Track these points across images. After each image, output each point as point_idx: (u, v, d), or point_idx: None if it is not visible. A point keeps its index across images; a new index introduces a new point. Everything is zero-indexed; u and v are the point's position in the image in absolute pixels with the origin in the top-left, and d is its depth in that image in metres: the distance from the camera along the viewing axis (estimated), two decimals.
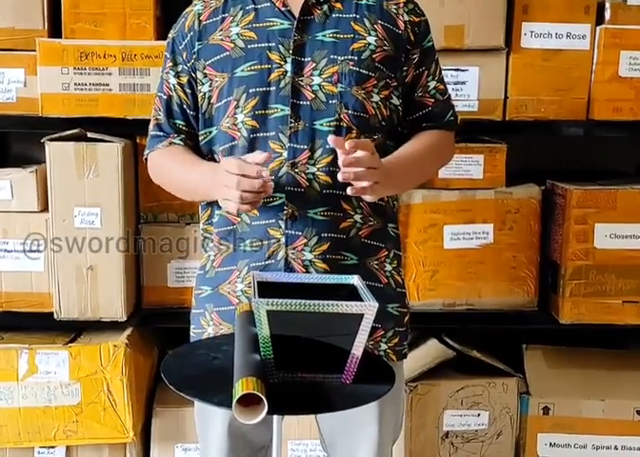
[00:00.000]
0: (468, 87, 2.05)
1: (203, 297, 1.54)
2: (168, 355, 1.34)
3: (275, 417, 1.23)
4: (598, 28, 2.05)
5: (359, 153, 1.28)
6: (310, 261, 1.43)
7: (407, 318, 1.57)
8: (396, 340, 1.54)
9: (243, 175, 1.29)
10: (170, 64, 1.52)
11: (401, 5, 1.49)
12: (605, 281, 2.08)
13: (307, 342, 1.17)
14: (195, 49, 1.48)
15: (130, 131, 2.04)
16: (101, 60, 1.99)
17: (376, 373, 1.27)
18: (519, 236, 2.10)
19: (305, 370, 1.19)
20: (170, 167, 1.52)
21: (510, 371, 2.17)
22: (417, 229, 2.08)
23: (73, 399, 2.00)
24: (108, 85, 2.00)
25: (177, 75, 1.51)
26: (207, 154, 1.52)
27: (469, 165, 2.08)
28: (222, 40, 1.46)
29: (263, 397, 1.05)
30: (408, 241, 2.07)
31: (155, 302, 2.10)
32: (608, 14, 2.06)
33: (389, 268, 1.52)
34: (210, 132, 1.50)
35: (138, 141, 2.05)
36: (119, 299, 2.00)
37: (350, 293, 1.25)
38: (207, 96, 1.49)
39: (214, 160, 1.50)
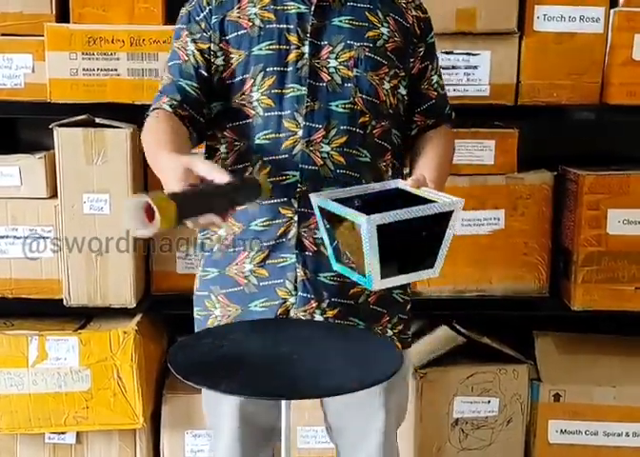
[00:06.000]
0: (479, 71, 2.03)
1: (208, 279, 1.54)
2: (173, 345, 1.34)
3: (284, 402, 1.24)
4: (612, 10, 2.02)
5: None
6: (322, 239, 1.42)
7: (409, 306, 1.59)
8: (400, 327, 1.55)
9: None
10: (187, 33, 1.50)
11: (409, 0, 1.54)
12: (617, 267, 2.06)
13: (404, 246, 1.27)
14: (212, 22, 1.48)
15: (138, 117, 2.02)
16: (109, 45, 1.97)
17: (383, 357, 1.28)
18: (531, 222, 2.09)
19: (403, 272, 1.30)
20: (148, 139, 1.49)
21: (520, 358, 2.16)
22: None
23: (83, 385, 2.00)
24: (116, 70, 1.99)
25: (195, 41, 1.49)
26: (211, 128, 1.51)
27: (480, 150, 2.06)
28: (240, 18, 1.47)
29: (155, 208, 1.09)
30: None
31: (165, 288, 2.11)
32: None
33: None
34: (216, 107, 1.50)
35: None
36: (128, 286, 2.00)
37: (405, 197, 1.34)
38: (219, 69, 1.48)
39: (215, 136, 1.50)
